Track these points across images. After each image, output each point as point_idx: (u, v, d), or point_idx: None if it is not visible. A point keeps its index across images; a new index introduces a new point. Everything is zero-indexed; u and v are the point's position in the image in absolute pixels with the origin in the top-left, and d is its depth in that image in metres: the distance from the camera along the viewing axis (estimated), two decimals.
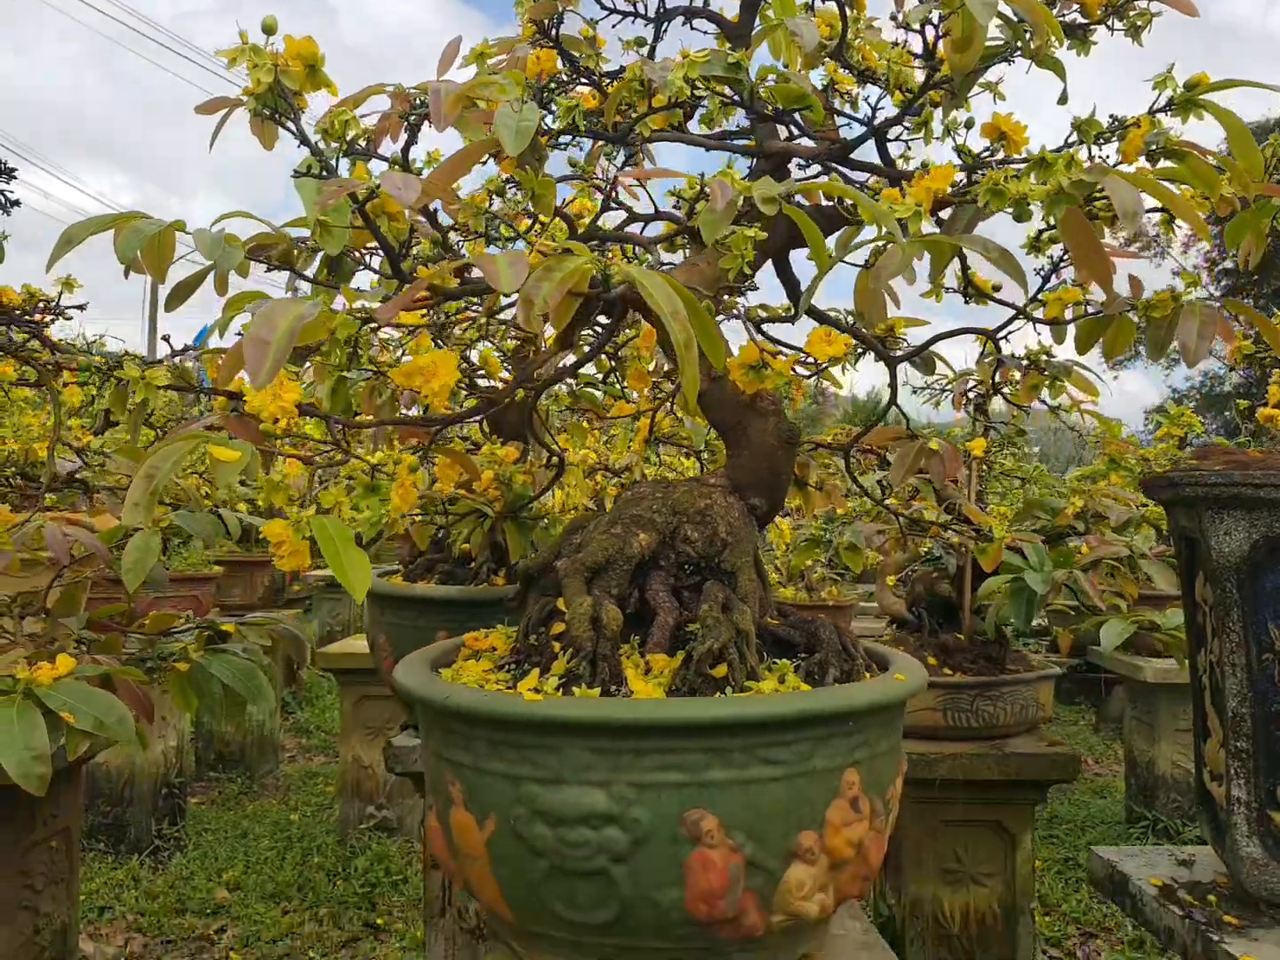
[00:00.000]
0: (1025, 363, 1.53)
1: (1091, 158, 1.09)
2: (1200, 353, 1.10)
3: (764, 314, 1.50)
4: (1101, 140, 0.96)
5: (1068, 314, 1.38)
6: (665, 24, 1.27)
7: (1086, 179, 0.79)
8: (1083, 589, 1.81)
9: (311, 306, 0.72)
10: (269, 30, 0.79)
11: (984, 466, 2.22)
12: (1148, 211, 1.24)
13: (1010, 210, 0.83)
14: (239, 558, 4.47)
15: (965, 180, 1.02)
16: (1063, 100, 0.93)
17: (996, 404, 2.32)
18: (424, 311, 1.01)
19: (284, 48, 0.78)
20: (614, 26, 1.30)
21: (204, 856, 3.55)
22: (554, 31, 1.17)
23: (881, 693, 0.98)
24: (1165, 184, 0.87)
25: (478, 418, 1.75)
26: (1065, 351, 1.61)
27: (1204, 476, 1.21)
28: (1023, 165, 0.88)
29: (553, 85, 1.05)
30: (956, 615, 2.28)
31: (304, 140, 0.83)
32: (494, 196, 0.98)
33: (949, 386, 2.18)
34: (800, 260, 1.61)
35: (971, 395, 2.20)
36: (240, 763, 4.45)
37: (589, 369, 1.91)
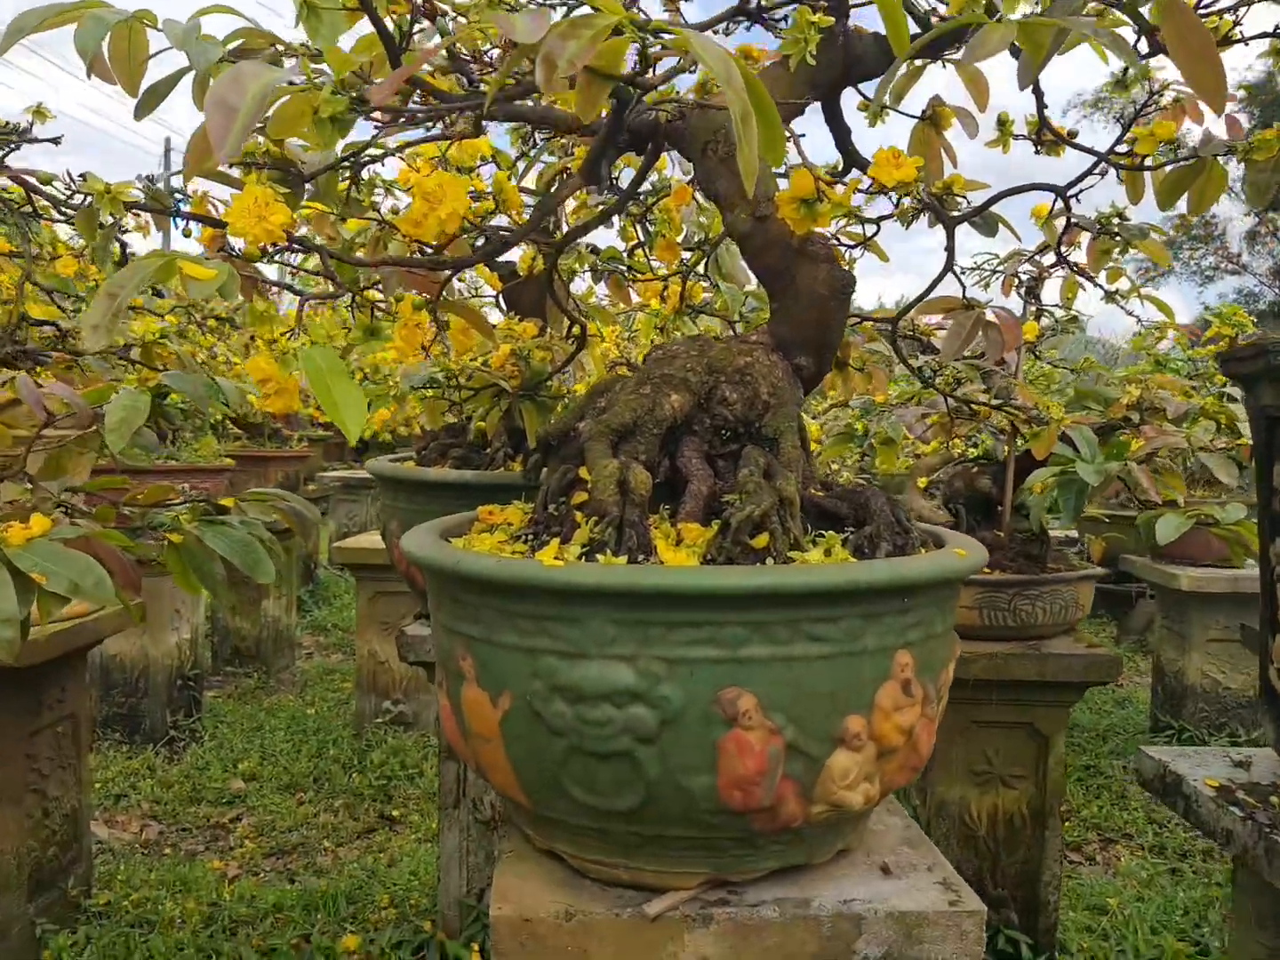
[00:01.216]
0: (1097, 225, 1.39)
1: None
2: None
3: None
4: None
5: (1152, 167, 1.24)
6: None
7: None
8: (1137, 481, 1.70)
9: (288, 71, 0.60)
10: None
11: (1034, 355, 2.09)
12: None
13: None
14: (251, 452, 4.39)
15: None
16: None
17: (1048, 293, 2.17)
18: (429, 124, 0.88)
19: None
20: None
21: (220, 748, 3.55)
22: None
23: (940, 567, 0.88)
24: None
25: (498, 289, 1.62)
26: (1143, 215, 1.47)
27: (1270, 343, 1.08)
28: None
29: None
30: (995, 513, 2.17)
31: None
32: None
33: (1000, 267, 2.03)
34: (850, 109, 1.45)
35: (1023, 278, 2.05)
36: (256, 658, 4.45)
37: (612, 237, 1.78)
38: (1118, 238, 1.37)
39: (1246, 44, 1.02)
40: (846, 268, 1.41)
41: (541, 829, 0.95)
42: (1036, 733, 2.09)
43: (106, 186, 0.78)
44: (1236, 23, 1.01)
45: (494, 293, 1.85)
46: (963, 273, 2.06)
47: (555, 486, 1.01)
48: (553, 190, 1.19)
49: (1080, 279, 1.98)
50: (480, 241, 1.27)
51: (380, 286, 1.13)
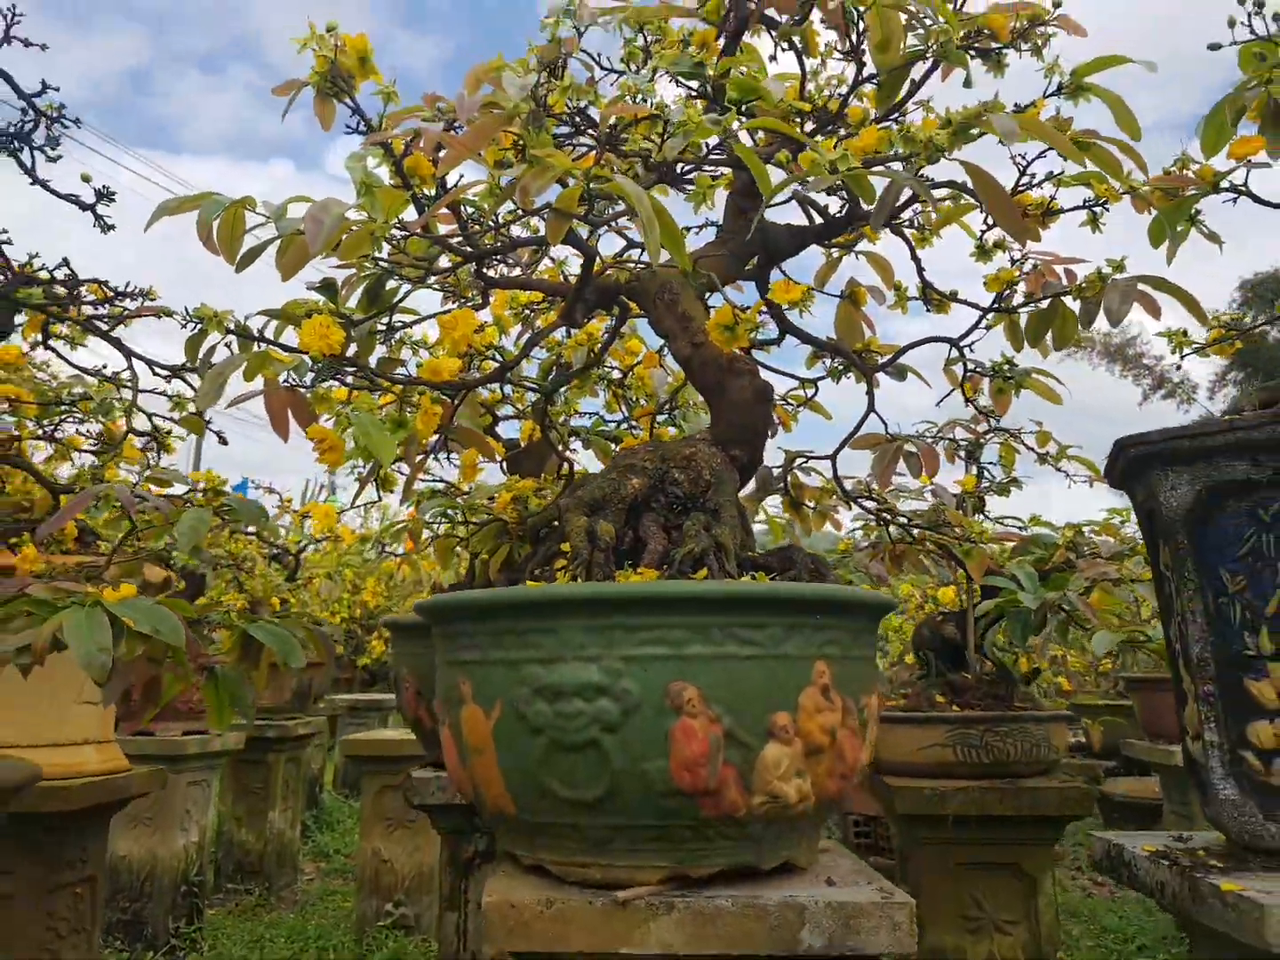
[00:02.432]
0: (991, 371, 1.68)
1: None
2: (1120, 315, 1.25)
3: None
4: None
5: (1022, 307, 1.55)
6: (653, 76, 1.50)
7: (975, 111, 0.96)
8: (1075, 606, 1.89)
9: (354, 211, 0.90)
10: (331, 29, 1.00)
11: (979, 512, 2.33)
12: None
13: (921, 153, 1.00)
14: (270, 659, 4.56)
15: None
16: (968, 84, 1.12)
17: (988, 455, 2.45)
18: (450, 282, 1.18)
19: (342, 40, 0.99)
20: (612, 85, 1.54)
21: (219, 957, 3.50)
22: (561, 73, 1.40)
23: (845, 592, 1.09)
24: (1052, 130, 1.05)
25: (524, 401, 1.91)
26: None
27: (1147, 436, 1.33)
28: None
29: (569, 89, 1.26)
30: (964, 657, 2.34)
31: (356, 109, 1.03)
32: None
33: (938, 435, 2.32)
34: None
35: (962, 444, 2.34)
36: (259, 874, 4.40)
37: (598, 409, 2.08)
38: (1010, 380, 1.66)
39: (1062, 213, 1.35)
40: (786, 421, 1.70)
41: (527, 838, 1.10)
42: (1022, 873, 2.16)
43: (214, 312, 1.07)
44: (1052, 197, 1.33)
45: (500, 460, 2.14)
46: (900, 432, 2.35)
47: (540, 559, 1.24)
48: (535, 332, 1.50)
49: (1013, 440, 2.27)
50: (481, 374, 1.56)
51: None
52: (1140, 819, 5.55)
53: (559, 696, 1.01)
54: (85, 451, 2.30)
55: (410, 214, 1.14)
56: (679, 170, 1.25)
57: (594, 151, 1.32)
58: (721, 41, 1.49)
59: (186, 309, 1.07)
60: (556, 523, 1.28)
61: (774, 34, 1.41)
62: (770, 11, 1.39)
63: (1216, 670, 1.30)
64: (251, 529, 3.24)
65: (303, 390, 1.15)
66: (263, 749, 4.29)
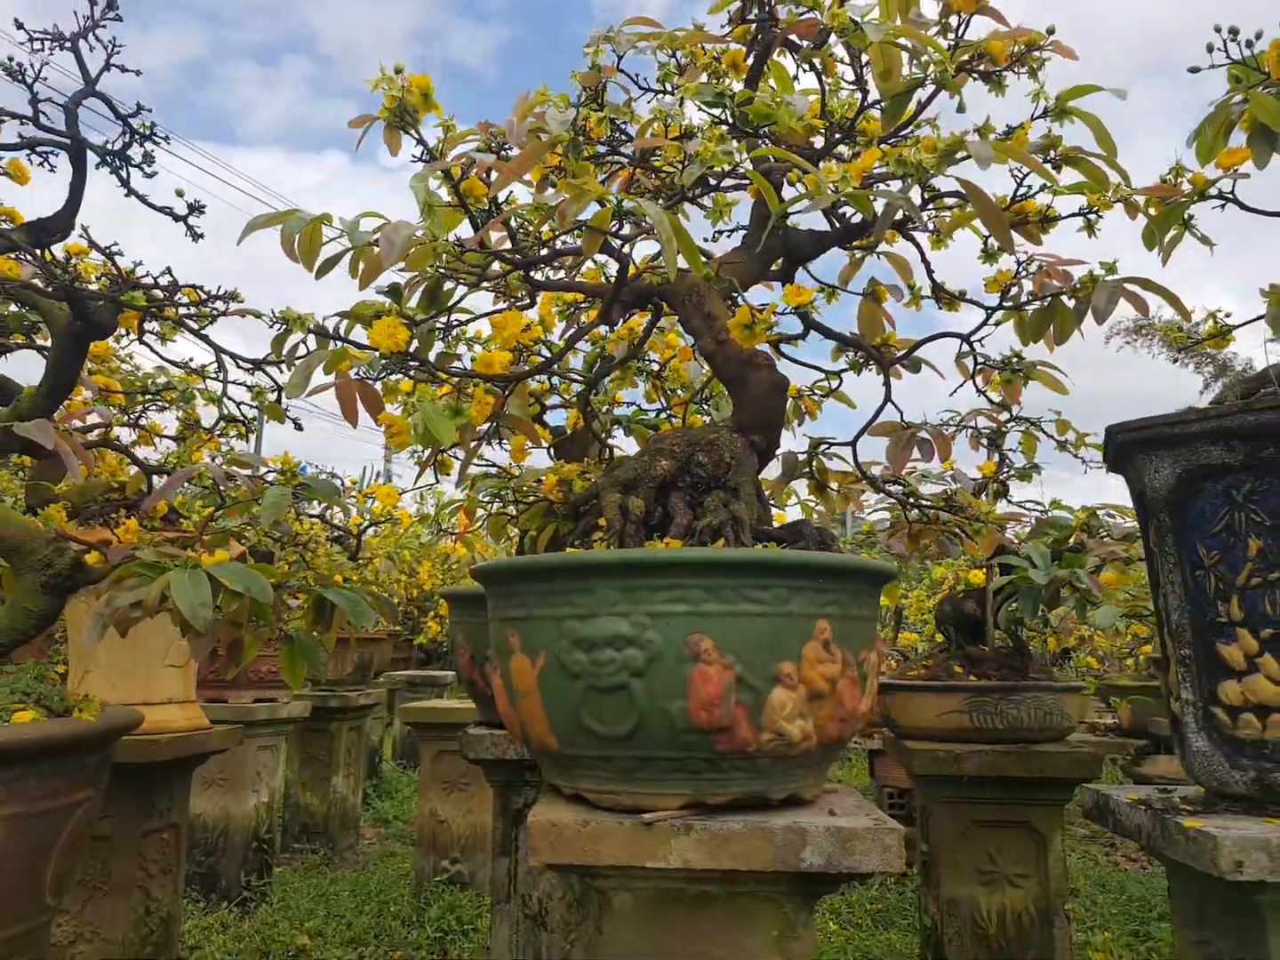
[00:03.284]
0: (1000, 364, 1.81)
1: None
2: (1106, 314, 1.38)
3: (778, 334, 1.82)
4: (997, 141, 1.27)
5: (1025, 304, 1.67)
6: (683, 100, 1.65)
7: (957, 139, 1.10)
8: (1083, 582, 2.01)
9: (420, 229, 1.07)
10: (399, 70, 1.17)
11: (1002, 498, 2.46)
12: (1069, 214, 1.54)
13: (913, 175, 1.14)
14: (340, 630, 4.81)
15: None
16: (961, 109, 1.25)
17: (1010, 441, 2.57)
18: (501, 285, 1.35)
19: (409, 80, 1.16)
20: (649, 103, 1.69)
21: (287, 908, 3.75)
22: (600, 98, 1.55)
23: (844, 559, 1.24)
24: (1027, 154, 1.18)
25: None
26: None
27: (1131, 424, 1.45)
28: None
29: (603, 120, 1.42)
30: (983, 632, 2.47)
31: (421, 140, 1.20)
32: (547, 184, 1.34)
33: (961, 424, 2.44)
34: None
35: (985, 431, 2.46)
36: (323, 834, 4.67)
37: (639, 399, 2.25)
38: (1019, 372, 1.79)
39: (1059, 220, 1.47)
40: (813, 409, 1.85)
41: (567, 770, 1.28)
42: (1034, 831, 2.29)
43: (299, 315, 1.26)
44: (1049, 205, 1.46)
45: (547, 446, 2.31)
46: (924, 420, 2.48)
47: (580, 531, 1.41)
48: (575, 328, 1.67)
49: (1034, 429, 2.38)
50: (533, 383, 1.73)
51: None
52: None
53: (594, 646, 1.18)
54: (166, 437, 2.53)
55: (465, 227, 1.31)
56: (702, 189, 1.41)
57: (628, 166, 1.47)
58: (751, 59, 1.64)
59: (273, 311, 1.25)
60: (595, 500, 1.44)
61: (796, 56, 1.56)
62: (793, 35, 1.53)
63: (1192, 635, 1.42)
64: (316, 512, 3.47)
65: (369, 383, 1.33)
66: (327, 718, 4.54)
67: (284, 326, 1.26)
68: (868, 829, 1.20)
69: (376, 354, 1.24)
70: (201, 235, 1.58)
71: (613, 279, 1.52)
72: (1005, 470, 2.45)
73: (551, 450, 2.35)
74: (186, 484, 1.82)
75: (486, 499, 1.96)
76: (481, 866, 3.77)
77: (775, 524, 1.42)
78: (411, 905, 3.68)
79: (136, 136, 1.71)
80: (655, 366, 2.07)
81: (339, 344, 1.29)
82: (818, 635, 1.21)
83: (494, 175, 1.19)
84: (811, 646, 1.21)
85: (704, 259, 1.50)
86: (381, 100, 1.15)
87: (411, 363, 1.33)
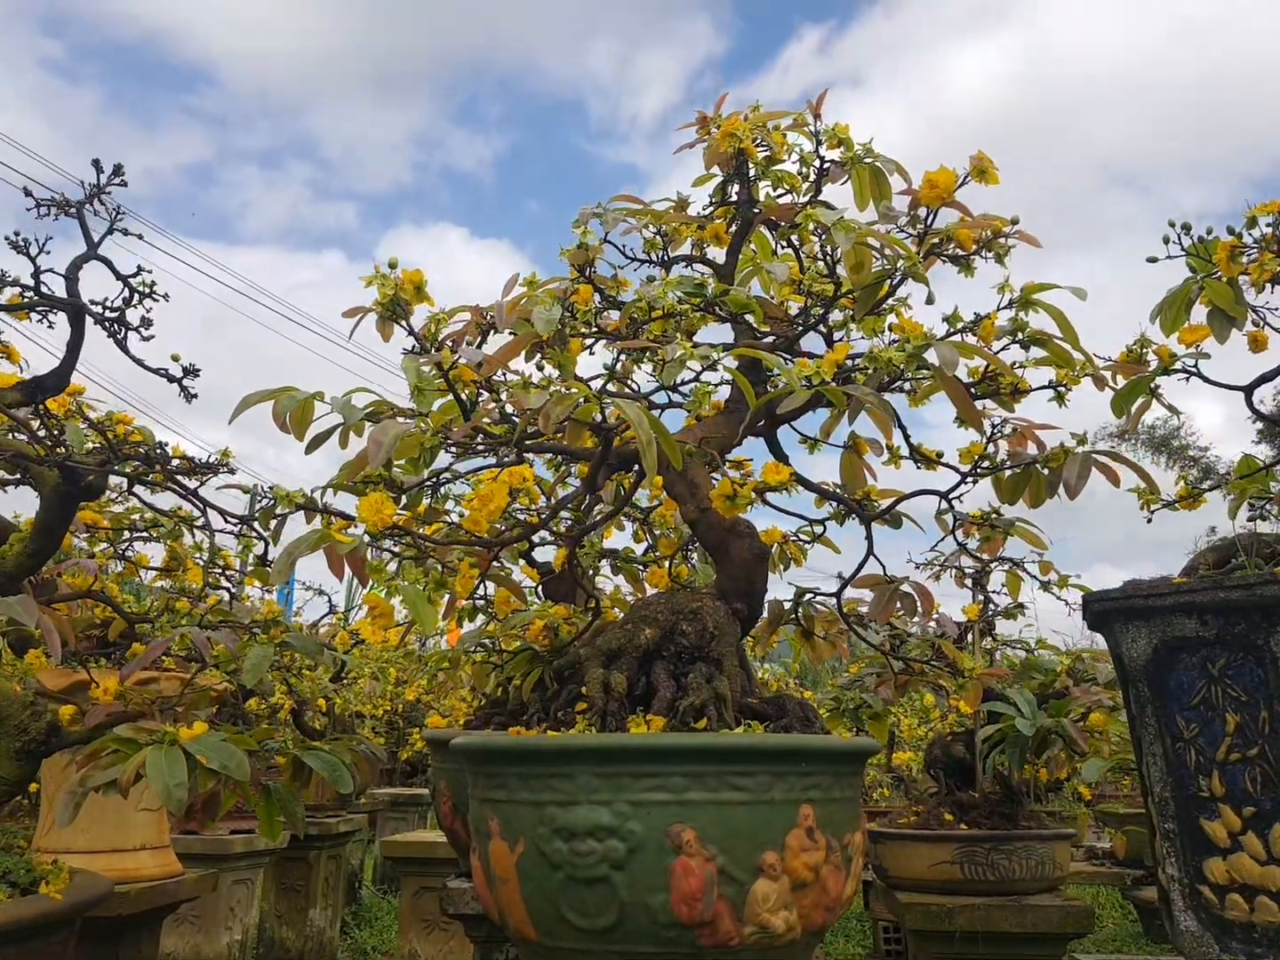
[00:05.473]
0: (979, 520, 1.84)
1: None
2: (1078, 489, 1.42)
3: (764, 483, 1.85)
4: (964, 328, 1.33)
5: (1003, 468, 1.71)
6: (669, 267, 1.71)
7: (925, 341, 1.14)
8: (1069, 734, 2.00)
9: (408, 423, 1.09)
10: (392, 265, 1.22)
11: (988, 636, 2.46)
12: (1040, 389, 1.59)
13: (883, 370, 1.18)
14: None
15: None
16: (930, 301, 1.31)
17: (994, 581, 2.59)
18: (485, 454, 1.38)
19: (401, 275, 1.21)
20: (635, 270, 1.76)
21: None
22: (588, 271, 1.62)
23: (827, 742, 1.24)
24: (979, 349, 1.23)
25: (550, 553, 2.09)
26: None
27: (1107, 594, 1.47)
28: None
29: (588, 311, 1.48)
30: (973, 776, 2.44)
31: (412, 332, 1.24)
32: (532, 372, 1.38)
33: (946, 563, 2.46)
34: (790, 444, 1.98)
35: (969, 571, 2.48)
36: None
37: (627, 541, 2.27)
38: (996, 528, 1.81)
39: (1029, 392, 1.52)
40: (796, 555, 1.87)
41: None
42: None
43: (286, 492, 1.28)
44: (1019, 379, 1.51)
45: (535, 584, 2.32)
46: (917, 568, 2.50)
47: (563, 701, 1.40)
48: (563, 497, 1.69)
49: (1018, 570, 2.41)
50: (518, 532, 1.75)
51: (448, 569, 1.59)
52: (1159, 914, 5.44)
53: (574, 836, 1.17)
54: (152, 568, 2.53)
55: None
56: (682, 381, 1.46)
57: (612, 342, 1.52)
58: (733, 229, 1.71)
59: (259, 487, 1.28)
60: (579, 667, 1.44)
61: (774, 234, 1.62)
62: (771, 216, 1.60)
63: (1176, 809, 1.41)
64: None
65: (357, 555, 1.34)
66: (305, 846, 4.40)
67: (272, 502, 1.28)
68: None
69: (362, 530, 1.26)
70: (195, 395, 1.61)
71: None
72: (991, 610, 2.46)
73: (538, 590, 2.36)
74: (169, 650, 1.81)
75: (471, 648, 1.95)
76: None
77: (758, 694, 1.42)
78: None
79: (136, 294, 1.76)
80: (642, 512, 2.09)
81: (324, 517, 1.31)
82: (801, 822, 1.20)
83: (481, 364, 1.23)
84: (795, 835, 1.19)
85: (686, 426, 1.54)
86: (375, 295, 1.20)
87: (398, 535, 1.35)
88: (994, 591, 2.44)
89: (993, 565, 2.46)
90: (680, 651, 1.39)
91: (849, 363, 1.31)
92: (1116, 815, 4.01)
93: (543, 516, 1.44)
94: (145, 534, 2.42)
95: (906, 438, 1.65)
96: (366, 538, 1.24)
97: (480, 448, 1.32)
